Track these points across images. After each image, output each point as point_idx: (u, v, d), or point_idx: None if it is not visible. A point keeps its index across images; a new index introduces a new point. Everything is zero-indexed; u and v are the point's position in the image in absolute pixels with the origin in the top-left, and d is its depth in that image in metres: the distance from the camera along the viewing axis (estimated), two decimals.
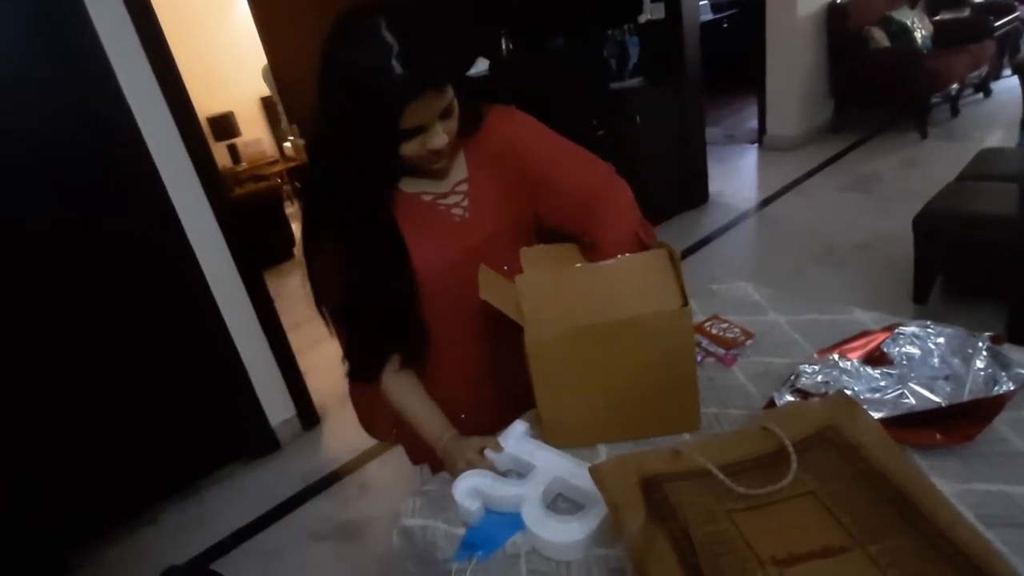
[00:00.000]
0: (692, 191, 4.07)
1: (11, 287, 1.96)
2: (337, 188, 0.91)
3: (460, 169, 1.00)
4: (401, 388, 1.01)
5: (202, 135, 2.28)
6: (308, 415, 2.67)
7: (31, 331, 2.02)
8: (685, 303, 0.85)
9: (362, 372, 1.01)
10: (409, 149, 0.87)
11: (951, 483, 0.75)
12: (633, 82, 3.74)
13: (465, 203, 1.00)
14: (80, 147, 2.01)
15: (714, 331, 1.15)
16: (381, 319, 0.96)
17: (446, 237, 0.98)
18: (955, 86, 4.38)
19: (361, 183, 0.90)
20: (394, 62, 0.77)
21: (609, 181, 1.04)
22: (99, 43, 1.96)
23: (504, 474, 0.91)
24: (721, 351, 1.11)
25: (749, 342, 1.13)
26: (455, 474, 0.92)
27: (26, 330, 2.01)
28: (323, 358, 3.05)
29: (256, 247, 2.46)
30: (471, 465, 0.91)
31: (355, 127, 0.84)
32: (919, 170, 3.82)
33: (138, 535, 2.26)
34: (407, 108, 0.80)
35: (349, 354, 1.01)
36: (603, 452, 0.94)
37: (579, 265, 0.92)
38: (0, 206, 1.91)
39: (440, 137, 0.87)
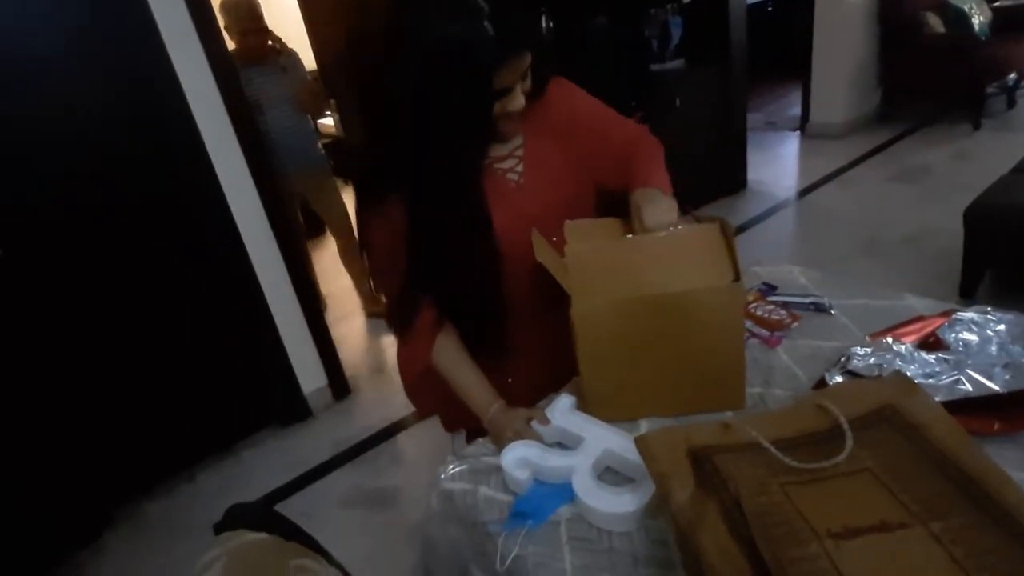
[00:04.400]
0: (730, 177, 3.99)
1: (60, 257, 2.02)
2: (414, 157, 0.90)
3: (517, 136, 1.01)
4: (452, 355, 1.01)
5: (247, 109, 2.31)
6: (340, 385, 2.72)
7: (83, 297, 2.09)
8: (737, 278, 0.84)
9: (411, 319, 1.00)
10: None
11: (1010, 471, 0.72)
12: (675, 64, 3.66)
13: (520, 168, 1.01)
14: (128, 117, 2.05)
15: (759, 313, 1.13)
16: (462, 287, 0.97)
17: (501, 201, 0.98)
18: (1013, 76, 4.19)
19: (453, 149, 0.89)
20: (487, 25, 0.80)
21: (645, 136, 1.10)
22: (149, 14, 1.99)
23: (550, 447, 0.92)
24: (766, 333, 1.10)
25: (795, 324, 1.11)
26: (501, 445, 0.92)
27: (78, 296, 2.08)
28: (355, 331, 3.10)
29: (291, 220, 2.49)
30: (518, 436, 0.91)
31: (448, 93, 0.84)
32: (971, 162, 3.68)
33: (176, 492, 2.35)
34: (499, 70, 0.83)
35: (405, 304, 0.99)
36: (644, 427, 0.94)
37: (629, 236, 0.91)
38: (52, 180, 1.97)
39: (520, 99, 0.89)
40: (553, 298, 0.89)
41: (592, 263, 0.91)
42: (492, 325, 1.01)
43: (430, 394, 1.11)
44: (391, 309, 1.02)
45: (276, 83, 2.77)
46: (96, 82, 1.98)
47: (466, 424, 1.19)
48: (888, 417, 0.66)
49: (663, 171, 1.02)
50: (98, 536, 2.18)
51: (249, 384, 2.49)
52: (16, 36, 1.84)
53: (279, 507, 2.14)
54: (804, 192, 3.82)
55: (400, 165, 0.92)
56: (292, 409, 2.61)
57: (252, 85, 2.65)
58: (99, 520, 2.21)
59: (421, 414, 1.23)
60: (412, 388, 1.13)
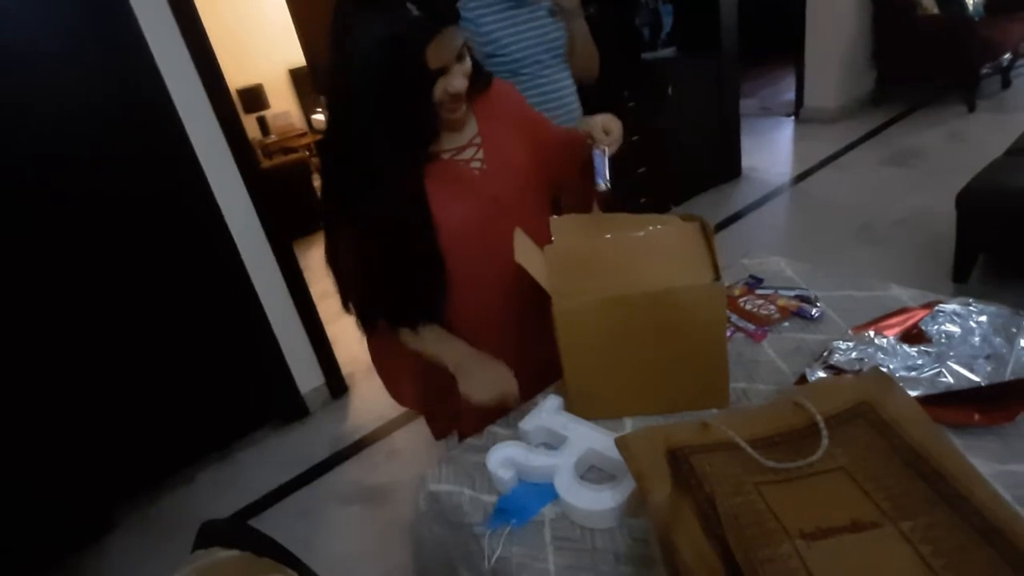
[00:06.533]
0: (725, 165, 3.97)
1: (51, 256, 2.02)
2: (363, 153, 0.91)
3: (471, 125, 1.03)
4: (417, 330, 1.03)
5: (233, 107, 2.29)
6: (336, 383, 2.73)
7: (76, 299, 2.09)
8: (717, 277, 0.84)
9: (377, 319, 1.04)
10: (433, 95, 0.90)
11: (989, 463, 0.73)
12: (666, 52, 3.64)
13: (481, 155, 1.02)
14: (114, 119, 2.04)
15: (748, 307, 1.13)
16: (403, 277, 0.98)
17: (469, 191, 1.00)
18: (1008, 56, 4.16)
19: (397, 142, 0.91)
20: (409, 6, 0.81)
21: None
22: (133, 16, 1.98)
23: (535, 447, 0.92)
24: (751, 327, 1.10)
25: (786, 323, 1.10)
26: (472, 389, 0.93)
27: (71, 299, 2.08)
28: (350, 328, 3.09)
29: (284, 219, 2.48)
30: (496, 385, 0.93)
31: (384, 82, 0.85)
32: (965, 144, 3.66)
33: (177, 493, 2.36)
34: (428, 48, 0.84)
35: (365, 303, 1.03)
36: (629, 425, 0.95)
37: (609, 236, 0.91)
38: (38, 178, 1.96)
39: (460, 80, 0.90)
40: (530, 287, 0.89)
41: (573, 262, 0.91)
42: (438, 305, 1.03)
43: (407, 383, 1.13)
44: (357, 314, 1.05)
45: (539, 26, 1.73)
46: (79, 83, 1.97)
47: (454, 426, 1.21)
48: (864, 414, 0.67)
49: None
50: (99, 537, 2.20)
51: (246, 384, 2.50)
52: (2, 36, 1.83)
53: (278, 506, 2.18)
54: (798, 178, 3.81)
55: (353, 172, 0.93)
56: (290, 408, 2.62)
57: (493, 25, 1.66)
58: (100, 521, 2.23)
59: (403, 404, 1.24)
60: (388, 377, 1.16)
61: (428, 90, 0.88)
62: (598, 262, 0.91)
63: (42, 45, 1.89)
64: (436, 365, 1.02)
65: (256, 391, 2.53)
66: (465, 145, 1.02)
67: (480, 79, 0.98)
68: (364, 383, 2.82)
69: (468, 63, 0.91)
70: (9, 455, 1.99)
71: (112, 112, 2.04)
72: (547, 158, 1.09)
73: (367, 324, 1.05)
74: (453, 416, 1.13)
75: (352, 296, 1.03)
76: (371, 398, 2.72)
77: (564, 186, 1.17)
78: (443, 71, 0.88)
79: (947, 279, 2.44)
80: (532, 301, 0.90)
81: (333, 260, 1.01)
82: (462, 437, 1.20)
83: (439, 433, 1.23)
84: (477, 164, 1.02)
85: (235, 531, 0.54)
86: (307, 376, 2.63)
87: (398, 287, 0.98)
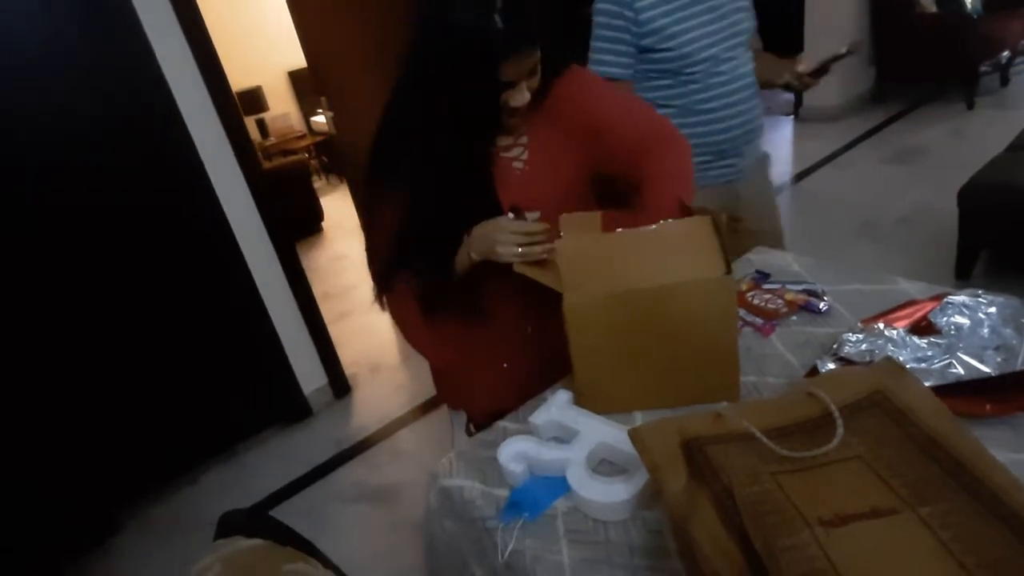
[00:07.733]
0: None
1: (56, 259, 2.02)
2: (424, 140, 0.94)
3: (521, 128, 1.03)
4: None
5: (237, 110, 2.30)
6: (339, 384, 2.73)
7: (81, 301, 2.08)
8: (728, 271, 0.84)
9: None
10: None
11: (1002, 453, 0.73)
12: None
13: (525, 156, 1.03)
14: (119, 123, 2.04)
15: (755, 301, 1.13)
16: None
17: (507, 188, 1.00)
18: (1006, 53, 4.17)
19: (461, 137, 0.93)
20: (496, 17, 0.82)
21: (667, 130, 1.06)
22: (136, 19, 1.98)
23: (546, 441, 0.92)
24: (759, 321, 1.10)
25: (794, 317, 1.11)
26: (491, 247, 0.92)
27: (76, 301, 2.08)
28: (353, 329, 3.11)
29: (283, 221, 2.48)
30: (505, 229, 0.91)
31: (456, 81, 0.87)
32: (965, 141, 3.67)
33: (180, 495, 2.36)
34: (505, 63, 0.85)
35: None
36: (639, 419, 0.95)
37: (620, 230, 0.91)
38: (46, 183, 1.96)
39: (524, 95, 0.91)
40: (547, 289, 0.89)
41: (583, 257, 0.91)
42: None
43: (429, 334, 1.11)
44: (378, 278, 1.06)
45: (717, 6, 1.37)
46: (83, 87, 1.97)
47: (467, 403, 1.21)
48: (878, 403, 0.67)
49: (678, 177, 1.01)
50: (103, 539, 2.19)
51: (250, 385, 2.50)
52: (6, 42, 1.83)
53: (282, 507, 2.18)
54: (799, 177, 3.82)
55: (408, 151, 0.95)
56: (293, 409, 2.62)
57: (654, 11, 1.30)
58: (104, 523, 2.23)
59: (434, 362, 1.21)
60: (414, 333, 1.12)
61: (494, 99, 0.89)
62: (608, 257, 0.91)
63: (45, 48, 1.89)
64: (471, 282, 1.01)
65: (259, 392, 2.53)
66: (512, 144, 1.03)
67: (543, 91, 0.98)
68: (367, 383, 2.82)
69: (535, 81, 0.92)
70: (13, 457, 1.98)
71: (117, 117, 2.03)
72: (605, 149, 1.04)
73: (385, 284, 1.05)
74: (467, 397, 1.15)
75: (381, 254, 1.04)
76: (374, 398, 2.72)
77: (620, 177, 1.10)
78: (511, 84, 0.89)
79: (950, 275, 2.45)
80: (546, 292, 0.90)
81: (369, 223, 1.03)
82: (472, 419, 1.21)
83: (454, 402, 1.24)
84: (519, 165, 1.03)
85: (256, 521, 0.54)
86: (310, 377, 2.63)
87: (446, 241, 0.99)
